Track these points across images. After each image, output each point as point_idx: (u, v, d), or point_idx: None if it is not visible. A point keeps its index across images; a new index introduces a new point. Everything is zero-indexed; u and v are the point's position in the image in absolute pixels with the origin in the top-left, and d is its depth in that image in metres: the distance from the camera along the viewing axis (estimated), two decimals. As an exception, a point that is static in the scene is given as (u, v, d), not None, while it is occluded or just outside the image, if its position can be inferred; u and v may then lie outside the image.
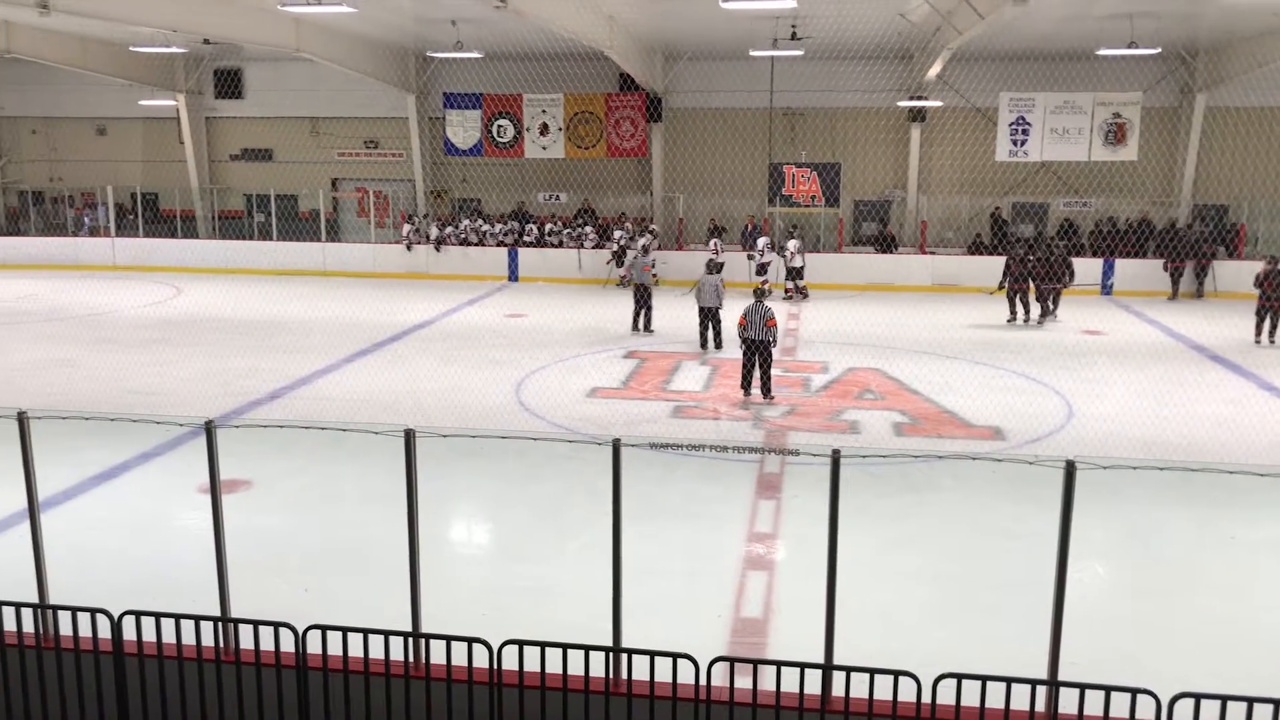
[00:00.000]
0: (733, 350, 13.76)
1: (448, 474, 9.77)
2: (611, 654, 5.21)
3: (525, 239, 26.32)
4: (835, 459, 4.96)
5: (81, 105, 30.21)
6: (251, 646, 5.38)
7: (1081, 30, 20.59)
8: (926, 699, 4.80)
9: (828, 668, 5.04)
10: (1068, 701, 4.84)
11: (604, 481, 5.24)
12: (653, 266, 19.18)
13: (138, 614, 5.36)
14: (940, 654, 6.28)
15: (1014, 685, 4.72)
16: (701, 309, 16.61)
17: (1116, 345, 17.55)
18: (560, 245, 25.94)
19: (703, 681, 4.94)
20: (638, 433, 11.47)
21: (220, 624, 5.47)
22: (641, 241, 23.54)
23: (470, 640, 5.12)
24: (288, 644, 5.31)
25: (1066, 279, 19.90)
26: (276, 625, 5.25)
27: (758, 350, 13.09)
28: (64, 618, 5.52)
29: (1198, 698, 4.57)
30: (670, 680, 5.02)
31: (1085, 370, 15.12)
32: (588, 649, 5.11)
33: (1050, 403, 13.32)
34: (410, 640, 5.35)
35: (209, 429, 5.52)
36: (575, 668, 5.12)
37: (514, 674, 5.15)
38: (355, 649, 5.24)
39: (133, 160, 30.69)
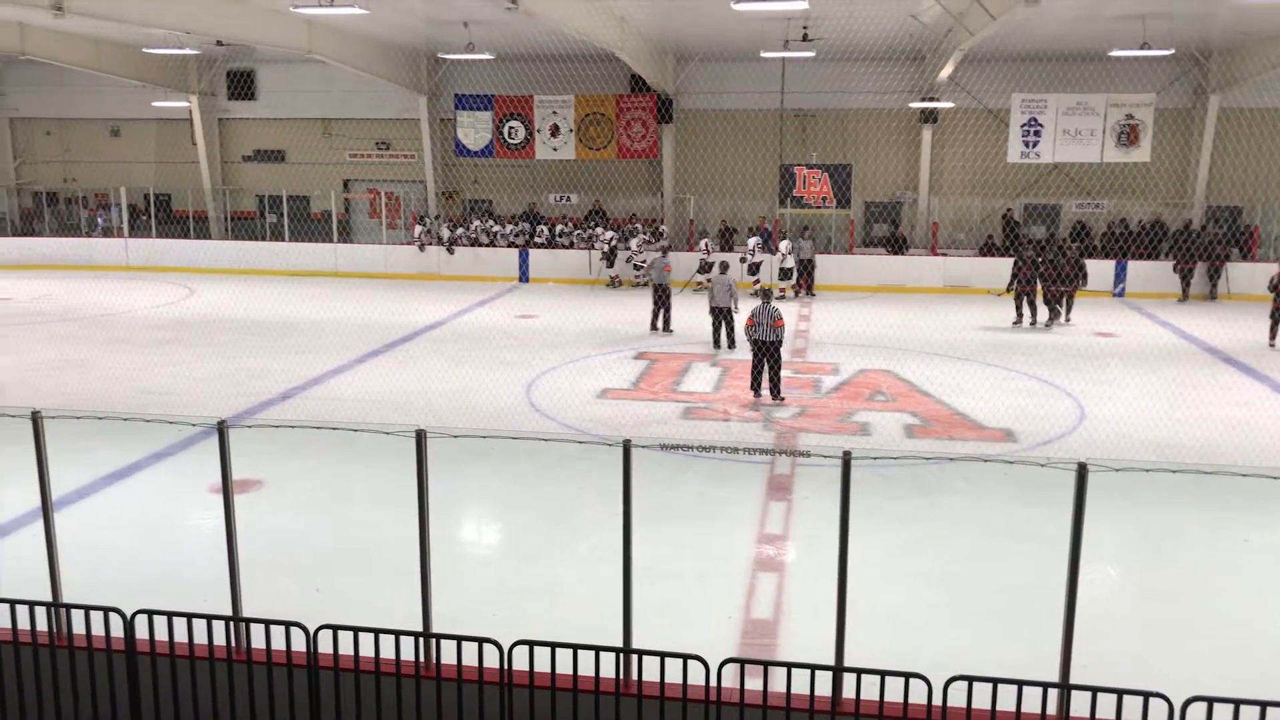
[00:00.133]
0: (745, 351, 13.76)
1: (459, 474, 9.79)
2: (622, 655, 5.21)
3: (536, 240, 26.35)
4: (846, 461, 4.95)
5: (95, 107, 30.36)
6: (263, 646, 5.40)
7: (1094, 31, 20.51)
8: (937, 701, 4.79)
9: (838, 669, 5.03)
10: (1079, 704, 4.81)
11: (614, 482, 5.24)
12: (672, 267, 19.31)
13: (150, 613, 5.39)
14: (951, 656, 6.27)
15: (1025, 688, 4.71)
16: (713, 309, 16.73)
17: (1129, 347, 17.48)
18: (571, 246, 25.97)
19: (713, 683, 4.94)
20: (648, 434, 11.47)
21: (232, 623, 5.49)
22: (663, 242, 23.68)
23: (481, 640, 5.12)
24: (299, 643, 5.32)
25: (1079, 281, 19.77)
26: (288, 625, 5.27)
27: (766, 351, 13.08)
28: (77, 616, 5.55)
29: (1210, 701, 4.54)
30: (680, 681, 5.02)
31: (1097, 372, 15.06)
32: (598, 649, 5.11)
33: (1062, 405, 13.27)
34: (421, 640, 5.36)
35: (221, 429, 5.54)
36: (585, 668, 5.12)
37: (524, 674, 5.16)
38: (366, 649, 5.25)
39: (146, 161, 30.82)
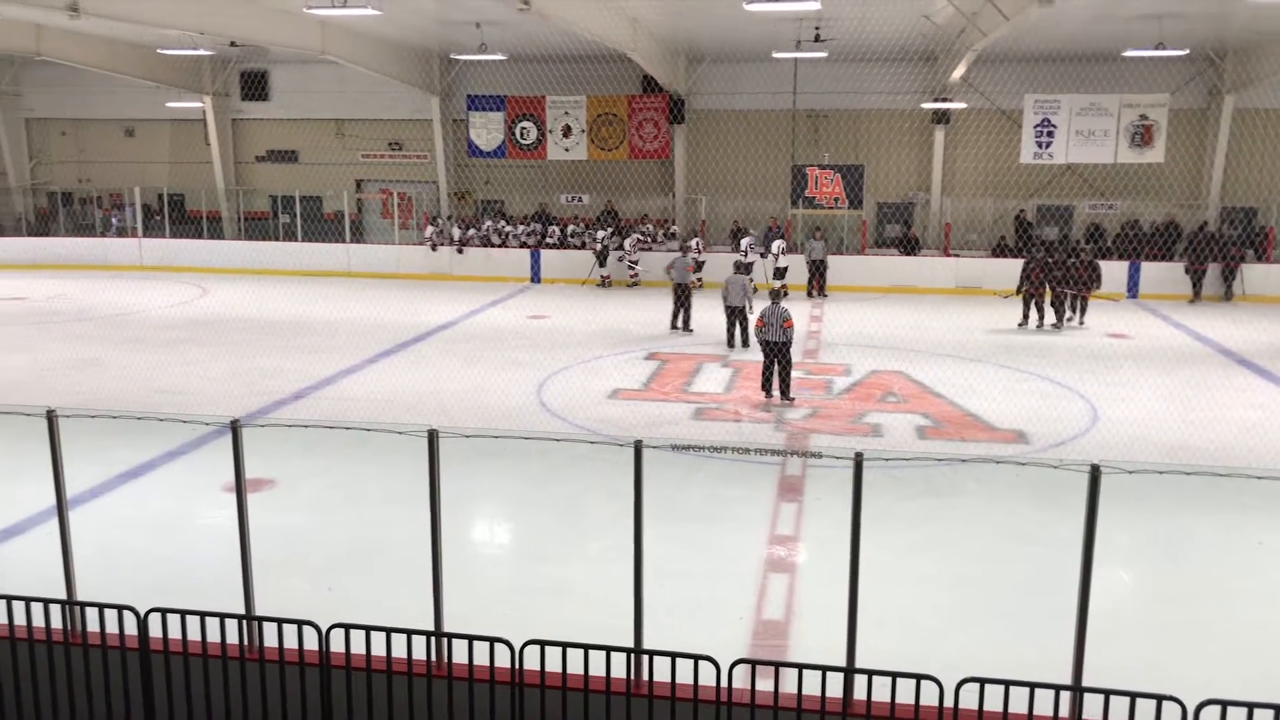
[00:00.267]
0: (757, 351, 13.75)
1: (470, 474, 9.81)
2: (633, 655, 5.21)
3: (548, 241, 26.39)
4: (858, 462, 4.94)
5: (110, 107, 30.52)
6: (275, 644, 5.43)
7: (1108, 31, 20.42)
8: (949, 703, 4.78)
9: (849, 671, 5.03)
10: (1092, 707, 4.80)
11: (625, 483, 5.24)
12: (697, 268, 19.42)
13: (163, 611, 5.41)
14: (963, 658, 6.25)
15: (1037, 690, 4.70)
16: (728, 308, 16.83)
17: (1142, 349, 17.40)
18: (582, 246, 26.00)
19: (724, 683, 4.93)
20: (659, 434, 11.47)
21: (245, 622, 5.51)
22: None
23: (492, 640, 5.13)
24: (311, 642, 5.34)
25: (1094, 284, 19.63)
26: (300, 623, 5.29)
27: (777, 352, 13.07)
28: (91, 614, 5.58)
29: (1224, 704, 4.52)
30: (691, 682, 5.02)
31: (1110, 374, 14.99)
32: (609, 650, 5.12)
33: (1075, 406, 13.22)
34: (432, 639, 5.37)
35: (234, 428, 5.56)
36: (597, 668, 5.13)
37: (535, 674, 5.17)
38: (378, 648, 5.27)
39: (160, 161, 30.99)
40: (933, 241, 26.05)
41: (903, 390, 13.96)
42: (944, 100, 24.64)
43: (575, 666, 5.12)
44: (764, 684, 5.18)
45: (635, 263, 24.81)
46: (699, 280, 24.09)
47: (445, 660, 5.35)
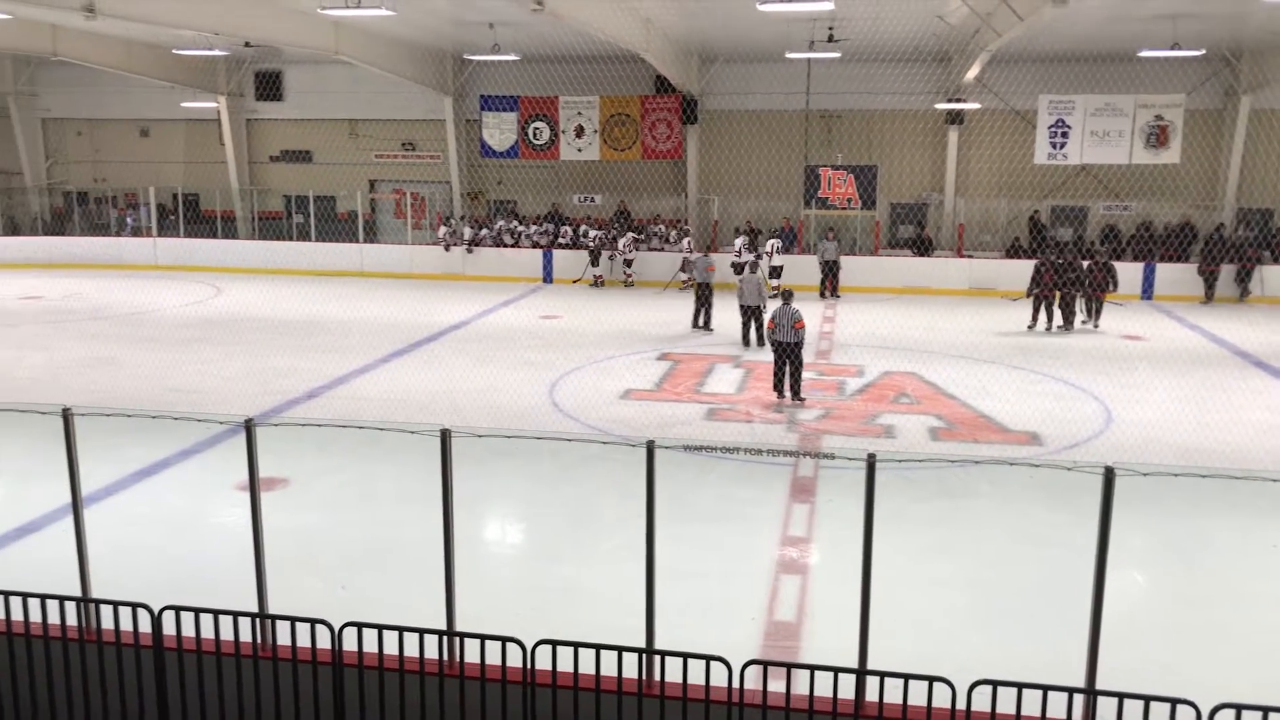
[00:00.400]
0: (771, 351, 13.74)
1: (483, 474, 9.82)
2: (644, 655, 5.21)
3: (560, 241, 26.40)
4: (871, 463, 4.93)
5: (125, 107, 30.68)
6: (288, 643, 5.45)
7: (1123, 32, 20.32)
8: (961, 706, 4.76)
9: (861, 672, 5.02)
10: (1105, 710, 4.78)
11: (637, 483, 5.24)
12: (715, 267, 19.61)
13: (177, 609, 5.44)
14: (975, 660, 6.23)
15: (1050, 693, 4.67)
16: (742, 307, 16.96)
17: (1157, 350, 17.31)
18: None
19: (735, 684, 4.93)
20: (671, 435, 11.47)
21: (258, 620, 5.53)
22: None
23: (504, 639, 5.14)
24: (324, 641, 5.35)
25: (1109, 286, 19.51)
26: (313, 622, 5.31)
27: (788, 353, 13.05)
28: (105, 611, 5.61)
29: (1239, 708, 4.50)
30: (703, 683, 5.02)
31: (1125, 375, 14.92)
32: (621, 650, 5.12)
33: (1089, 408, 13.16)
34: (445, 639, 5.38)
35: (248, 427, 5.58)
36: (608, 668, 5.13)
37: (547, 674, 5.17)
38: (390, 647, 5.28)
39: (174, 161, 31.13)
40: (946, 242, 25.97)
41: (916, 391, 13.92)
42: (958, 101, 24.55)
43: (587, 666, 5.12)
44: (776, 685, 5.17)
45: (630, 262, 24.80)
46: (687, 281, 24.15)
47: (457, 659, 5.36)
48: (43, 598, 5.65)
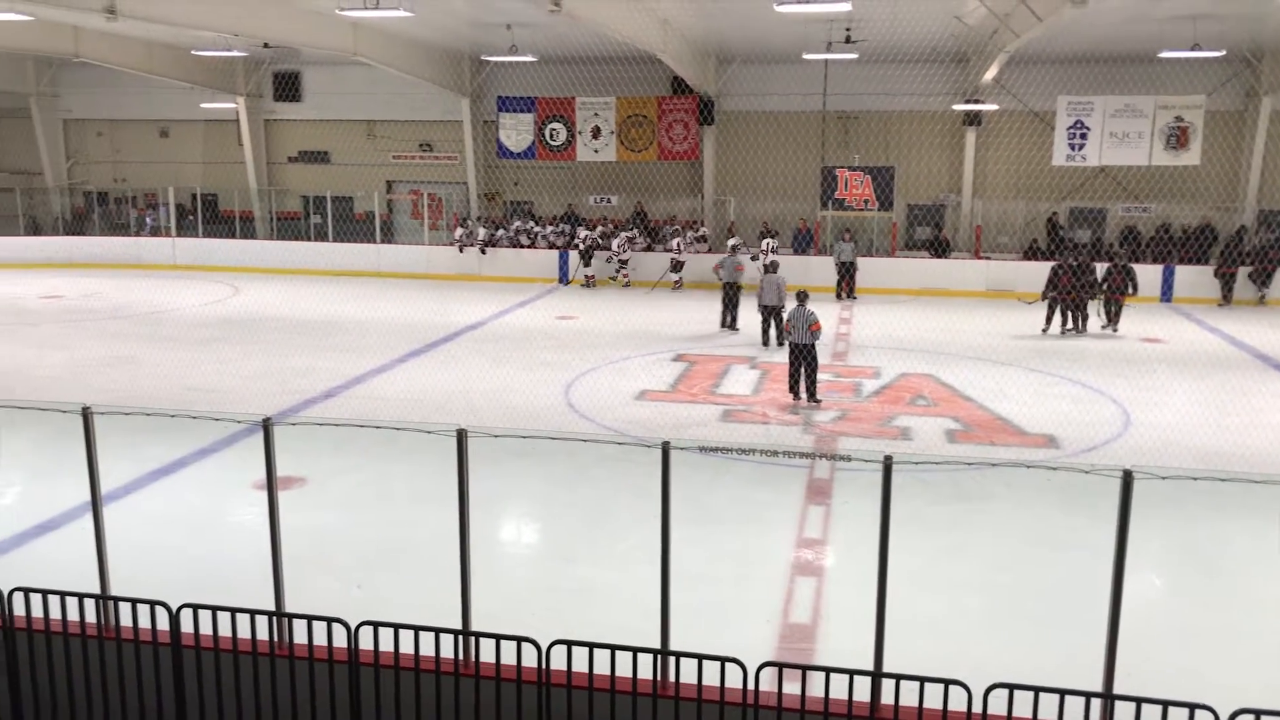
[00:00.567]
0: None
1: (498, 474, 9.84)
2: (659, 656, 5.21)
3: (576, 242, 26.42)
4: (887, 465, 4.92)
5: (145, 108, 30.88)
6: (305, 641, 5.47)
7: (1142, 32, 20.19)
8: (977, 709, 4.74)
9: (877, 675, 5.01)
10: (1123, 715, 4.75)
11: (653, 484, 5.24)
12: (744, 266, 19.72)
13: (195, 607, 5.47)
14: (991, 663, 6.19)
15: (1067, 697, 4.65)
16: (762, 307, 17.03)
17: (1176, 353, 17.19)
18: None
19: (750, 686, 4.92)
20: (686, 436, 11.47)
21: (275, 619, 5.56)
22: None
23: (519, 639, 5.15)
24: (340, 640, 5.38)
25: (1129, 289, 19.34)
26: (330, 621, 5.33)
27: (803, 354, 13.03)
28: (124, 609, 5.65)
29: (1258, 714, 4.46)
30: (718, 684, 5.02)
31: (1143, 378, 14.82)
32: (636, 650, 5.12)
33: (1107, 411, 13.09)
34: (460, 638, 5.40)
35: (266, 426, 5.61)
36: (623, 669, 5.13)
37: (562, 674, 5.18)
38: (406, 646, 5.30)
39: (193, 162, 31.33)
40: (963, 244, 25.86)
41: (932, 393, 13.87)
42: (975, 102, 24.44)
43: (602, 667, 5.13)
44: (791, 687, 5.16)
45: (624, 262, 24.77)
46: (679, 281, 24.19)
47: (473, 659, 5.37)
48: (62, 595, 5.70)
